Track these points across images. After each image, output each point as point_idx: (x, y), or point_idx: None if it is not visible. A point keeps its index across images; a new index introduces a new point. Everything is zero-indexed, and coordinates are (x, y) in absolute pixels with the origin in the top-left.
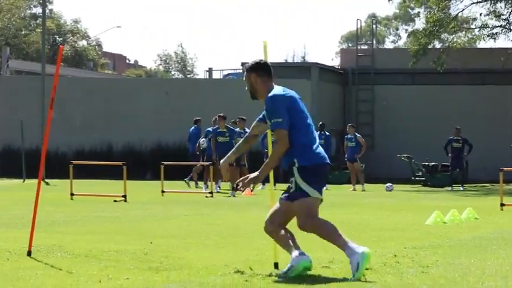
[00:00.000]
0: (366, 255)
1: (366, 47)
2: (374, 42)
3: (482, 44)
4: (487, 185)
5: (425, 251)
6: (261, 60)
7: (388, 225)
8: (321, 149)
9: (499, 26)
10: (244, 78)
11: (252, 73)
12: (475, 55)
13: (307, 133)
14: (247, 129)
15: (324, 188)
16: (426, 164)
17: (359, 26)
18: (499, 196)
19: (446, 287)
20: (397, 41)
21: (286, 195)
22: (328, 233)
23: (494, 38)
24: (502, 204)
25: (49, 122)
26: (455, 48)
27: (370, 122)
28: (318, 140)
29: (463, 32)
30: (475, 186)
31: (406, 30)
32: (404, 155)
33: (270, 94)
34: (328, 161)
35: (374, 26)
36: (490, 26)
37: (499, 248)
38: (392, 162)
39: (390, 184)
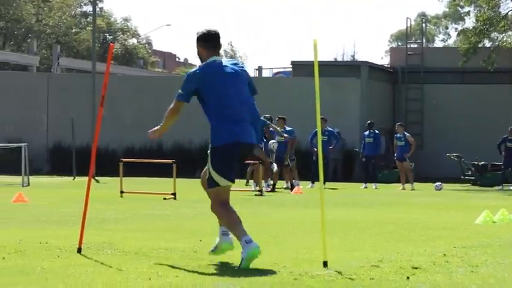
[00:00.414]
0: (252, 252)
1: (415, 45)
2: (424, 40)
3: None
4: None
5: (475, 250)
6: (210, 31)
7: (437, 224)
8: (236, 128)
9: None
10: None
11: (198, 43)
12: None
13: (221, 110)
14: (287, 128)
15: (232, 173)
16: (476, 163)
17: (409, 25)
18: None
19: (496, 286)
20: (446, 40)
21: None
22: (229, 222)
23: None
24: None
25: (99, 120)
26: (505, 47)
27: (420, 120)
28: (237, 118)
29: None
30: None
31: (456, 29)
32: (454, 154)
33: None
34: (244, 140)
35: (424, 25)
36: None
37: None
38: (441, 161)
39: (439, 183)
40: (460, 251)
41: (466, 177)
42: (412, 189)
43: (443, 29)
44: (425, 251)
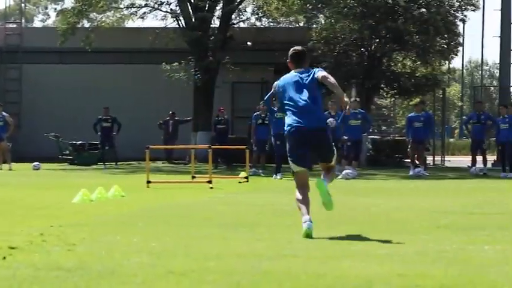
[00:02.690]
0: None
1: (14, 25)
2: (23, 20)
3: (131, 24)
4: (134, 163)
5: (72, 228)
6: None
7: (35, 203)
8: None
9: (145, 6)
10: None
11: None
12: (124, 34)
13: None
14: None
15: None
16: (73, 142)
17: (8, 5)
18: (146, 173)
19: (92, 263)
20: (46, 20)
21: None
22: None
23: (143, 18)
24: (148, 182)
25: None
26: (103, 28)
27: (18, 100)
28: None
29: (112, 12)
30: (124, 164)
31: (55, 9)
32: (52, 134)
33: None
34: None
35: (23, 5)
36: (138, 6)
37: (145, 225)
38: (40, 141)
39: (37, 163)
40: (57, 230)
41: (64, 157)
42: (9, 170)
43: (42, 9)
44: (22, 231)
